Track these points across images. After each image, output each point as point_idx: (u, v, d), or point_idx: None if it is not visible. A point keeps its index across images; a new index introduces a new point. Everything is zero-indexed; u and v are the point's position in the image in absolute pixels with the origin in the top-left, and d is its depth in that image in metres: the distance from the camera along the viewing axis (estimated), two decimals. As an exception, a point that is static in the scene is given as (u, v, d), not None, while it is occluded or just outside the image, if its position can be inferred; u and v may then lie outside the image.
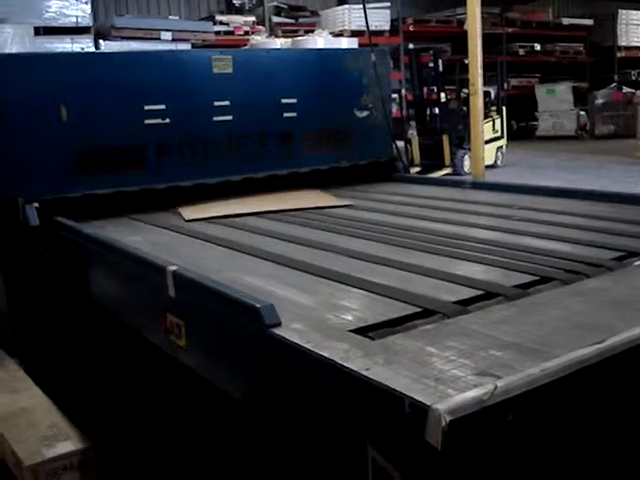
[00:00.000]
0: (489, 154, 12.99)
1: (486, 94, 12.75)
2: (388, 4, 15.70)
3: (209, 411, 2.56)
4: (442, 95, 13.68)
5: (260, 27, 15.28)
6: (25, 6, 9.63)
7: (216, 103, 4.47)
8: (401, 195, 4.48)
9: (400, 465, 1.55)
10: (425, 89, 13.97)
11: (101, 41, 10.73)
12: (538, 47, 20.97)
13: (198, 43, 12.20)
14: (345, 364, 1.66)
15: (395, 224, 3.54)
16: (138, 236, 3.56)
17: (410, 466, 1.52)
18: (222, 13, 16.30)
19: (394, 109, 12.70)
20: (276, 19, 16.16)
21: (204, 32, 12.59)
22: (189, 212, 4.07)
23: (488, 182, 6.45)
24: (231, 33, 14.67)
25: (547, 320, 1.95)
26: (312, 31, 14.70)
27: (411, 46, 14.35)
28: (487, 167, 10.04)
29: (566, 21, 21.68)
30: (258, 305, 1.96)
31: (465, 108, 11.87)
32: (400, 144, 8.72)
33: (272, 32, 15.44)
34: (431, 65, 13.81)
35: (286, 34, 14.95)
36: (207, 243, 3.34)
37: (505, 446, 1.54)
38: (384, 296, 2.31)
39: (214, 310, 2.22)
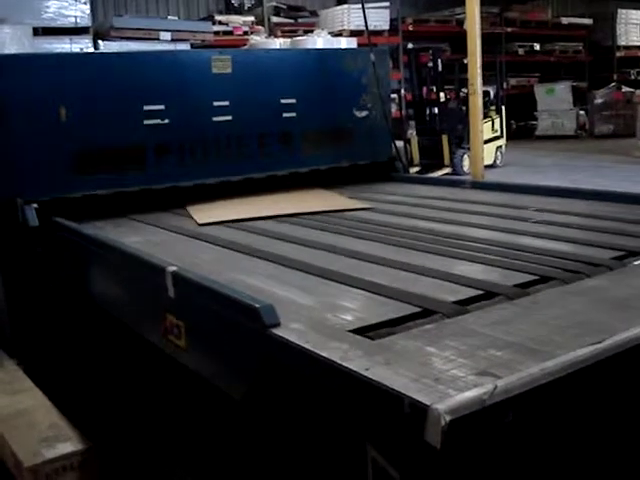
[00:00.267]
0: (488, 154, 12.99)
1: (485, 94, 12.75)
2: (387, 4, 15.68)
3: (209, 412, 2.56)
4: (441, 95, 13.67)
5: (259, 27, 15.27)
6: (24, 6, 9.62)
7: (215, 103, 4.47)
8: (400, 195, 4.48)
9: (400, 465, 1.55)
10: (424, 89, 13.96)
11: (100, 41, 10.72)
12: (537, 47, 20.96)
13: (197, 43, 12.19)
14: (344, 364, 1.66)
15: (394, 224, 3.54)
16: (138, 237, 3.56)
17: (410, 466, 1.52)
18: (221, 13, 16.29)
19: (393, 109, 12.70)
20: (275, 19, 16.15)
21: (203, 32, 12.58)
22: (201, 215, 4.00)
23: (487, 182, 6.46)
24: (230, 33, 14.66)
25: (547, 320, 1.95)
26: (311, 31, 14.69)
27: (410, 46, 14.35)
28: (486, 167, 10.03)
29: (565, 20, 21.68)
30: (257, 305, 1.96)
31: (464, 108, 11.86)
32: (399, 144, 8.74)
33: (271, 32, 15.43)
34: (430, 65, 13.80)
35: (285, 34, 14.94)
36: (208, 244, 3.34)
37: (505, 446, 1.54)
38: (384, 296, 2.31)
39: (213, 310, 2.22)
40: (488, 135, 13.30)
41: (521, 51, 20.65)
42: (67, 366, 3.83)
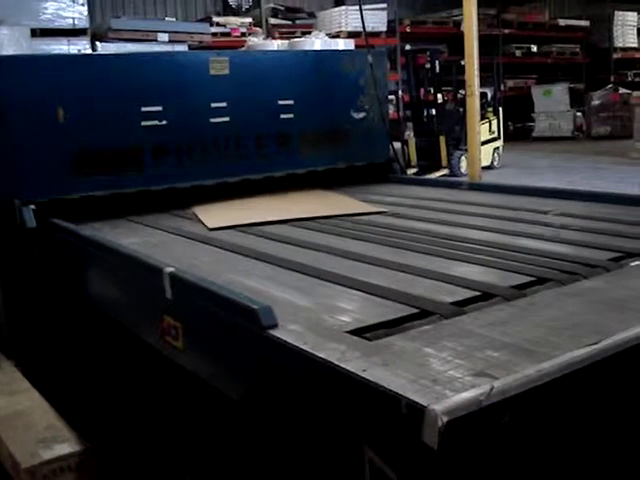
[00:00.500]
0: (486, 155, 13.01)
1: (482, 95, 12.77)
2: (384, 5, 15.68)
3: (207, 413, 2.56)
4: (439, 96, 13.69)
5: (257, 29, 15.28)
6: (21, 8, 9.62)
7: (213, 105, 4.47)
8: (398, 196, 4.48)
9: (397, 466, 1.55)
10: (422, 90, 13.98)
11: (98, 43, 10.73)
12: (534, 48, 20.99)
13: (195, 45, 12.19)
14: (342, 365, 1.66)
15: (392, 225, 3.55)
16: (136, 238, 3.56)
17: (407, 467, 1.52)
18: (219, 14, 16.29)
19: (391, 110, 12.71)
20: (273, 21, 16.15)
21: (201, 34, 12.59)
22: (211, 219, 3.91)
23: (484, 183, 6.47)
24: (228, 35, 14.66)
25: (543, 321, 1.95)
26: (309, 32, 14.71)
27: (408, 47, 14.37)
28: (484, 168, 10.06)
29: (562, 22, 21.72)
30: (255, 306, 1.96)
31: (462, 109, 11.88)
32: (397, 145, 8.74)
33: (269, 34, 15.44)
34: (428, 66, 13.82)
35: (283, 35, 14.96)
36: (206, 246, 3.35)
37: (501, 447, 1.54)
38: (381, 297, 2.31)
39: (211, 312, 2.22)
40: (485, 137, 13.32)
41: (518, 53, 20.68)
42: (65, 367, 3.83)
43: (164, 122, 4.29)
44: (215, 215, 4.01)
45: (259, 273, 2.77)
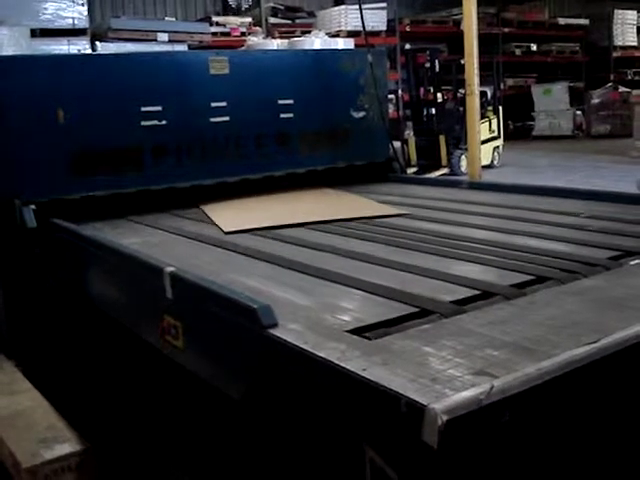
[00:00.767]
0: (486, 154, 13.02)
1: (482, 94, 12.77)
2: (384, 5, 15.70)
3: (207, 412, 2.57)
4: (438, 95, 13.70)
5: (257, 28, 15.29)
6: (21, 8, 9.62)
7: (213, 104, 4.48)
8: (397, 196, 4.48)
9: (397, 465, 1.55)
10: (422, 89, 13.99)
11: (97, 43, 10.73)
12: (534, 47, 21.01)
13: (195, 44, 12.20)
14: (342, 364, 1.66)
15: (392, 224, 3.55)
16: (136, 238, 3.57)
17: (407, 466, 1.52)
18: (218, 14, 16.32)
19: (391, 109, 12.71)
20: (273, 20, 16.16)
21: (200, 33, 12.60)
22: (224, 221, 3.80)
23: (484, 182, 6.47)
24: (227, 34, 14.67)
25: (543, 320, 1.95)
26: (309, 32, 14.70)
27: (407, 46, 14.37)
28: (484, 167, 10.05)
29: (562, 21, 21.73)
30: (255, 306, 1.96)
31: (461, 108, 11.88)
32: (397, 144, 8.74)
33: (269, 33, 15.45)
34: (427, 65, 13.83)
35: (283, 35, 14.96)
36: (208, 245, 3.35)
37: (502, 446, 1.54)
38: (381, 296, 2.31)
39: (211, 311, 2.22)
40: (485, 136, 13.32)
41: (518, 51, 20.70)
42: (65, 367, 3.83)
43: (164, 122, 4.29)
44: (229, 217, 3.93)
45: (259, 272, 2.77)
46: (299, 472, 2.07)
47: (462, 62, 9.16)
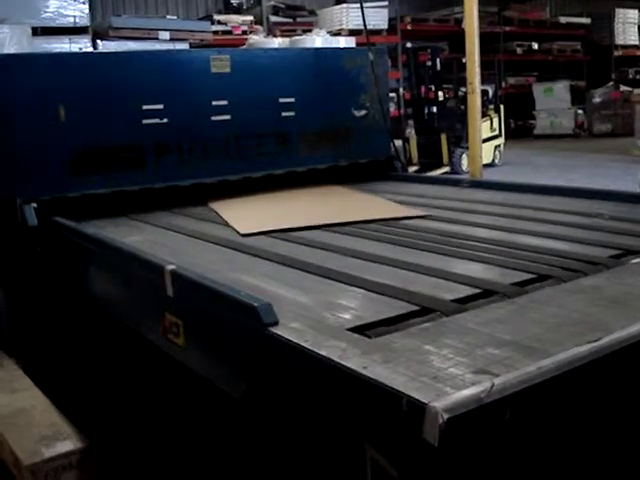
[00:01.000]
0: (487, 153, 13.01)
1: (484, 93, 12.78)
2: (386, 3, 15.68)
3: (207, 410, 2.57)
4: (440, 94, 13.69)
5: (258, 26, 15.27)
6: (23, 6, 9.61)
7: (214, 103, 4.48)
8: (399, 194, 4.48)
9: (398, 463, 1.55)
10: (423, 88, 13.97)
11: (99, 41, 10.71)
12: (536, 46, 20.98)
13: (196, 43, 12.18)
14: (342, 362, 1.66)
15: (393, 223, 3.55)
16: (138, 236, 3.57)
17: (408, 464, 1.52)
18: (220, 13, 16.28)
19: (392, 108, 12.70)
20: (274, 18, 16.15)
21: (202, 32, 12.58)
22: (239, 222, 3.68)
23: (486, 181, 6.46)
24: (229, 33, 14.66)
25: (544, 318, 1.95)
26: (310, 30, 14.67)
27: (409, 45, 14.35)
28: (485, 166, 10.03)
29: (563, 20, 21.71)
30: (255, 304, 1.96)
31: (463, 107, 11.87)
32: (398, 143, 8.73)
33: (270, 31, 15.43)
34: (429, 64, 13.82)
35: (284, 33, 14.94)
36: (210, 244, 3.35)
37: (502, 444, 1.54)
38: (382, 294, 2.31)
39: (212, 309, 2.23)
40: (487, 134, 13.32)
41: (519, 50, 20.67)
42: (66, 365, 3.83)
43: (165, 120, 4.30)
44: (244, 218, 3.82)
45: (260, 271, 2.77)
46: (300, 471, 2.07)
47: (463, 60, 9.16)
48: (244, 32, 14.62)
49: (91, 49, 10.20)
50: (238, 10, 16.36)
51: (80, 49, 9.90)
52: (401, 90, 15.49)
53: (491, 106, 14.42)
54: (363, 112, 5.10)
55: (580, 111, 20.23)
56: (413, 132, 14.03)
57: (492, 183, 4.87)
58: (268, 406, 2.06)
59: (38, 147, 3.92)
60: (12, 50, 8.56)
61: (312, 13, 16.84)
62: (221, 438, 2.55)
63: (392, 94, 14.11)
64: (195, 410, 2.70)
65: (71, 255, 3.59)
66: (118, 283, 3.09)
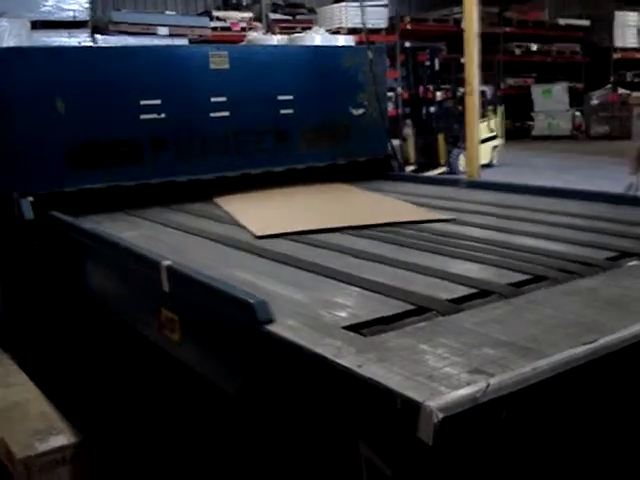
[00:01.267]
0: (484, 153, 13.02)
1: (482, 93, 12.76)
2: (385, 2, 15.70)
3: (202, 405, 2.57)
4: (438, 94, 13.69)
5: (257, 23, 15.28)
6: (22, 0, 9.61)
7: (213, 99, 4.48)
8: (395, 193, 4.48)
9: (392, 461, 1.55)
10: (421, 88, 13.97)
11: (98, 36, 10.72)
12: (534, 47, 21.02)
13: (195, 39, 12.18)
14: (337, 361, 1.66)
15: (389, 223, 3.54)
16: (134, 231, 3.56)
17: (402, 462, 1.52)
18: (219, 9, 16.29)
19: (390, 107, 12.70)
20: (273, 16, 16.16)
21: (201, 28, 12.61)
22: (252, 222, 3.53)
23: (483, 181, 6.46)
24: (228, 29, 14.66)
25: (540, 319, 1.95)
26: (309, 28, 14.71)
27: (407, 44, 14.35)
28: (482, 166, 10.05)
29: (562, 21, 21.74)
30: (251, 301, 1.96)
31: (461, 107, 11.88)
32: (396, 142, 8.73)
33: (269, 29, 15.44)
34: (427, 64, 13.82)
35: (283, 31, 14.96)
36: (205, 240, 3.35)
37: (497, 443, 1.54)
38: (378, 293, 2.31)
39: (208, 305, 2.22)
40: (484, 135, 13.33)
41: (518, 51, 20.71)
42: (62, 360, 3.83)
43: (163, 115, 4.29)
44: (258, 219, 3.68)
45: (256, 268, 2.77)
46: (294, 468, 2.07)
47: (462, 61, 9.16)
48: (243, 29, 14.64)
49: (90, 43, 10.19)
50: (237, 7, 16.37)
51: (79, 43, 9.90)
52: (399, 90, 15.48)
53: (489, 107, 14.43)
54: (361, 111, 5.10)
55: (578, 113, 20.27)
56: (411, 132, 14.02)
57: (489, 184, 4.87)
58: (263, 403, 2.06)
59: (35, 141, 3.91)
60: (11, 43, 8.55)
61: (311, 11, 16.85)
62: (215, 434, 2.55)
63: (390, 93, 14.10)
64: (190, 405, 2.69)
65: (68, 250, 3.58)
66: (114, 278, 3.09)
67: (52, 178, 3.98)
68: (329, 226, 3.41)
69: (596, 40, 22.30)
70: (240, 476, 2.42)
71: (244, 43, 12.43)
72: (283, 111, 4.74)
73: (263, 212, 3.99)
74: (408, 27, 17.28)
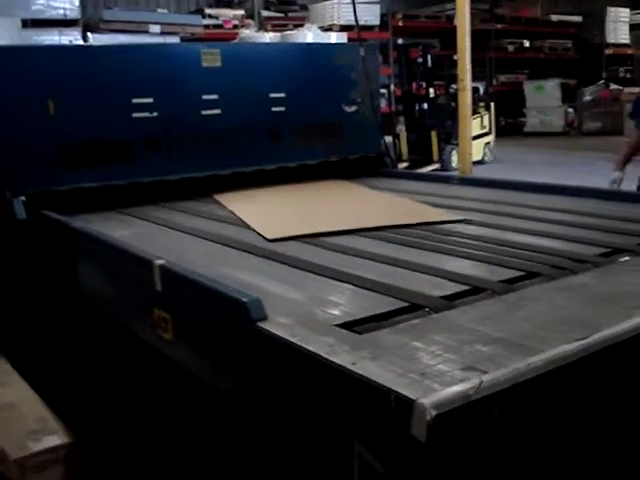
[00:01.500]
0: (477, 150, 13.05)
1: (474, 90, 12.78)
2: (377, -1, 15.70)
3: (196, 405, 2.56)
4: (431, 91, 13.70)
5: (249, 21, 15.25)
6: (12, -1, 9.58)
7: (204, 97, 4.47)
8: (388, 190, 4.48)
9: (385, 459, 1.55)
10: (414, 84, 13.98)
11: (89, 34, 10.68)
12: (527, 43, 21.02)
13: (187, 37, 12.15)
14: (331, 358, 1.66)
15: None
16: (126, 230, 3.56)
17: (395, 460, 1.53)
18: (211, 7, 16.24)
19: (383, 104, 12.71)
20: (265, 13, 16.14)
21: (193, 25, 12.55)
22: (263, 225, 3.39)
23: (475, 178, 6.47)
24: (220, 27, 14.63)
25: (533, 315, 1.96)
26: (301, 25, 14.69)
27: (400, 41, 14.36)
28: (475, 163, 10.08)
29: (555, 18, 21.74)
30: (245, 299, 1.96)
31: (453, 104, 11.89)
32: (388, 139, 8.74)
33: (261, 26, 15.42)
34: (420, 60, 13.83)
35: (275, 28, 14.95)
36: (198, 238, 3.34)
37: (491, 440, 1.55)
38: (371, 291, 2.32)
39: (201, 304, 2.22)
40: (477, 131, 13.34)
41: (511, 48, 20.70)
42: (55, 359, 3.82)
43: (155, 114, 4.28)
44: (267, 221, 3.56)
45: (249, 266, 2.77)
46: (287, 466, 2.07)
47: (455, 57, 9.17)
48: (235, 26, 14.60)
49: (81, 42, 10.16)
50: (229, 4, 16.33)
51: (70, 42, 9.87)
52: (392, 86, 15.50)
53: (482, 103, 14.44)
54: (354, 108, 5.10)
55: (570, 109, 20.29)
56: (403, 129, 14.04)
57: (481, 180, 4.87)
58: (256, 401, 2.06)
59: (27, 140, 3.90)
60: (1, 42, 8.51)
61: (304, 8, 16.83)
62: (209, 433, 2.55)
63: (383, 90, 14.14)
64: (183, 405, 2.69)
65: (60, 249, 3.57)
66: (107, 277, 3.08)
67: (44, 177, 3.96)
68: (342, 228, 3.29)
69: (588, 36, 22.31)
70: (234, 475, 2.42)
71: (236, 41, 12.41)
72: (275, 109, 4.73)
73: (270, 213, 3.90)
74: (400, 24, 17.26)
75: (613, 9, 22.10)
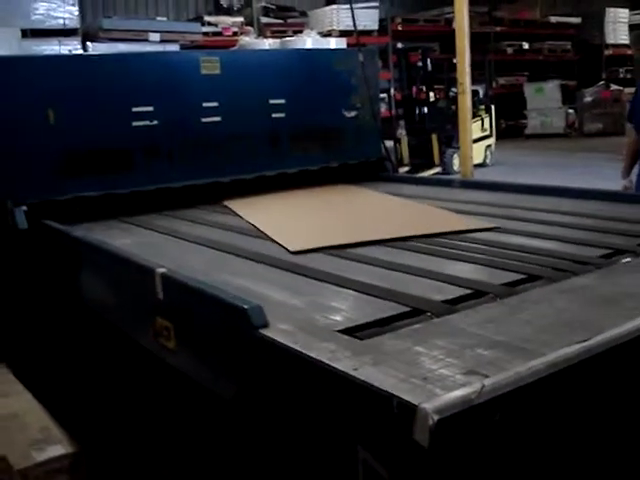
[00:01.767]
0: (478, 153, 13.04)
1: (474, 93, 12.79)
2: (376, 4, 15.69)
3: (199, 413, 2.56)
4: (431, 94, 13.72)
5: (248, 28, 15.26)
6: (12, 8, 9.60)
7: (204, 104, 4.47)
8: (390, 195, 4.48)
9: (388, 464, 1.55)
10: (414, 88, 13.99)
11: (89, 43, 10.71)
12: (526, 45, 21.04)
13: (186, 44, 12.18)
14: (332, 364, 1.66)
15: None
16: (128, 238, 3.56)
17: (398, 465, 1.52)
18: (210, 14, 16.27)
19: (383, 108, 12.72)
20: (264, 20, 16.15)
21: (192, 33, 12.59)
22: (284, 237, 3.24)
23: (476, 181, 6.47)
24: (219, 34, 14.65)
25: (535, 318, 1.95)
26: (300, 31, 14.71)
27: (399, 45, 14.38)
28: (476, 166, 10.07)
29: (554, 19, 21.76)
30: (245, 306, 1.96)
31: (454, 107, 11.89)
32: (389, 143, 8.74)
33: (260, 33, 15.44)
34: (420, 64, 13.84)
35: (274, 34, 14.97)
36: (198, 246, 3.34)
37: (493, 445, 1.54)
38: (373, 296, 2.31)
39: (202, 312, 2.22)
40: (477, 134, 13.35)
41: (510, 50, 20.72)
42: (57, 369, 3.82)
43: (155, 122, 4.29)
44: (288, 231, 3.44)
45: (248, 272, 2.77)
46: (291, 472, 2.06)
47: (454, 61, 9.17)
48: (234, 33, 14.63)
49: (81, 51, 10.19)
50: (228, 11, 16.36)
51: (70, 51, 9.90)
52: (392, 91, 15.50)
53: (482, 106, 14.45)
54: (354, 113, 5.10)
55: (571, 110, 20.29)
56: (404, 133, 14.04)
57: (483, 183, 4.87)
58: (259, 408, 2.06)
59: (28, 150, 3.90)
60: (1, 52, 8.53)
61: (303, 14, 16.85)
62: (213, 441, 2.55)
63: (383, 95, 14.12)
64: (187, 413, 2.69)
65: (62, 258, 3.58)
66: (109, 286, 3.08)
67: (45, 187, 3.97)
68: (368, 239, 3.13)
69: (587, 37, 22.33)
70: (238, 482, 2.42)
71: (236, 48, 12.43)
72: (275, 115, 4.74)
73: (290, 223, 3.80)
74: (399, 28, 17.26)
75: (612, 10, 22.10)
